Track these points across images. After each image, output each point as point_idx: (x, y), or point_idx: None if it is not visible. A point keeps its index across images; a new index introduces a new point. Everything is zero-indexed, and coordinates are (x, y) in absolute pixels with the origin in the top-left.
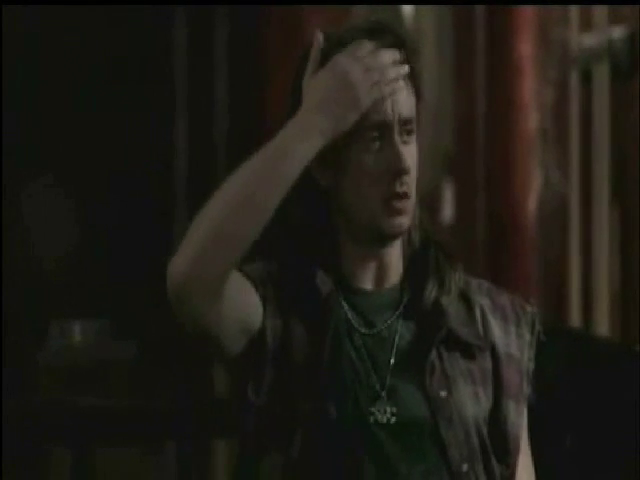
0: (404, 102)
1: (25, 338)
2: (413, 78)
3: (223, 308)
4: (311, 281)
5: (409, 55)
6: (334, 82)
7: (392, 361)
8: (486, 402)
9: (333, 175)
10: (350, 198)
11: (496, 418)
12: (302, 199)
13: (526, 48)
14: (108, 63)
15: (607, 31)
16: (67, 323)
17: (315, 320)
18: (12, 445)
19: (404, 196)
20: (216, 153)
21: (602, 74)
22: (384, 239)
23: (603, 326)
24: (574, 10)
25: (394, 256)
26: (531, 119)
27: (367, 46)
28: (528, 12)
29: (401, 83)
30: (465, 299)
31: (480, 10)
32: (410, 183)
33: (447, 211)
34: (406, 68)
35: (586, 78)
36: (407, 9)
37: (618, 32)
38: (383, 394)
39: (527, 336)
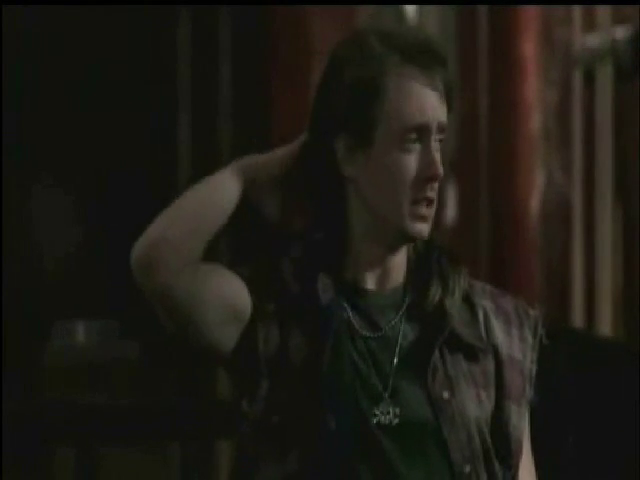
0: (442, 111)
1: (29, 338)
2: (448, 92)
3: (205, 292)
4: (312, 288)
5: (447, 72)
6: None
7: (395, 361)
8: (488, 404)
9: (361, 167)
10: (377, 195)
11: (498, 420)
12: (322, 190)
13: (529, 48)
14: (111, 63)
15: (610, 31)
16: (71, 323)
17: (314, 330)
18: (16, 445)
19: (430, 203)
20: (220, 153)
21: (605, 74)
22: (403, 242)
23: (606, 326)
24: (577, 10)
25: (399, 257)
26: (534, 119)
27: (405, 75)
28: (531, 12)
29: (438, 95)
30: (468, 302)
31: (483, 10)
32: (436, 190)
33: (450, 211)
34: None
35: (589, 78)
36: (410, 9)
37: (621, 32)
38: (386, 395)
39: (530, 339)
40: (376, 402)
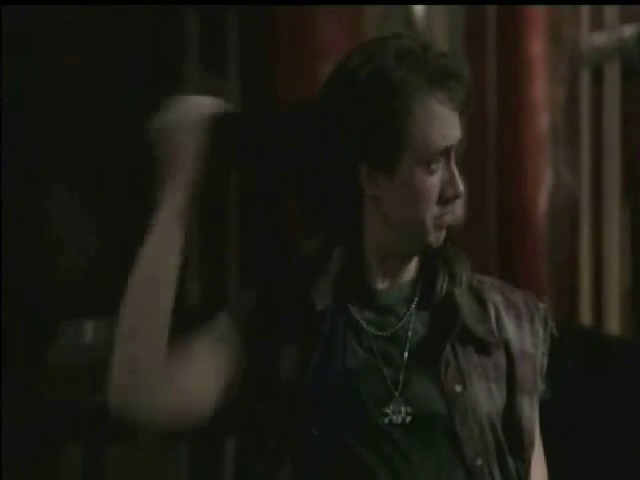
0: (461, 128)
1: (36, 337)
2: (465, 108)
3: (194, 392)
4: (306, 295)
5: (467, 90)
6: None
7: (406, 356)
8: (499, 398)
9: (385, 188)
10: (401, 213)
11: (511, 414)
12: (339, 205)
13: (537, 47)
14: (118, 63)
15: (618, 30)
16: (78, 322)
17: (304, 338)
18: (24, 443)
19: (447, 222)
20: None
21: (613, 73)
22: (422, 251)
23: (614, 324)
24: (585, 9)
25: (412, 261)
26: (542, 118)
27: (432, 101)
28: (539, 11)
29: (458, 114)
30: (478, 297)
31: (491, 9)
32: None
33: (458, 209)
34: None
35: (597, 77)
36: (418, 8)
37: (629, 31)
38: (396, 394)
39: (541, 332)
40: (387, 402)
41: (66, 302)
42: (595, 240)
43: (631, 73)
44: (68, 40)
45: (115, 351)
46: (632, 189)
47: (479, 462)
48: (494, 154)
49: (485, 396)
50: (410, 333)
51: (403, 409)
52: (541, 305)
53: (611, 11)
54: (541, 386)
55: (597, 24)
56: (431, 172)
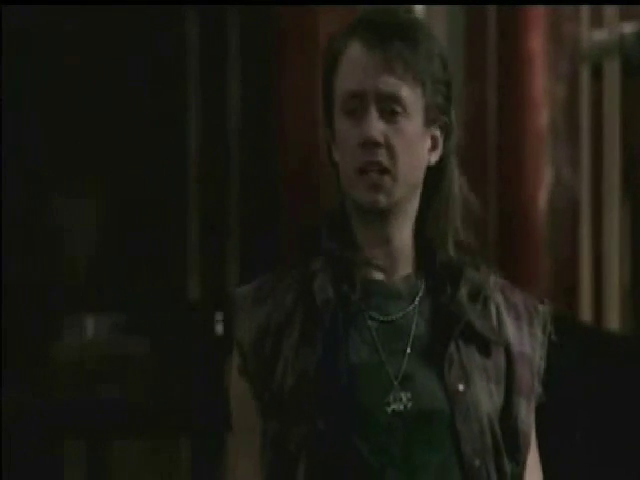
0: (388, 81)
1: (40, 333)
2: (411, 66)
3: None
4: (308, 287)
5: (411, 48)
6: None
7: (408, 351)
8: (498, 399)
9: (333, 141)
10: (340, 168)
11: (507, 415)
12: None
13: (537, 44)
14: (120, 64)
15: (618, 27)
16: (81, 318)
17: (307, 332)
18: (27, 439)
19: (379, 170)
20: (229, 152)
21: (613, 70)
22: (364, 213)
23: (614, 321)
24: (585, 6)
25: (403, 243)
26: (542, 115)
27: (355, 46)
28: (539, 9)
29: (388, 67)
30: (481, 295)
31: (491, 7)
32: (390, 159)
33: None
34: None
35: (597, 74)
36: (419, 7)
37: (629, 28)
38: (396, 383)
39: (539, 335)
40: (388, 391)
41: (68, 298)
42: (595, 238)
43: (631, 70)
44: (68, 40)
45: None
46: (632, 187)
47: (477, 462)
48: (494, 151)
49: (486, 396)
50: (413, 328)
51: (404, 396)
52: (541, 307)
53: (611, 8)
54: (538, 389)
55: (597, 21)
56: (348, 118)
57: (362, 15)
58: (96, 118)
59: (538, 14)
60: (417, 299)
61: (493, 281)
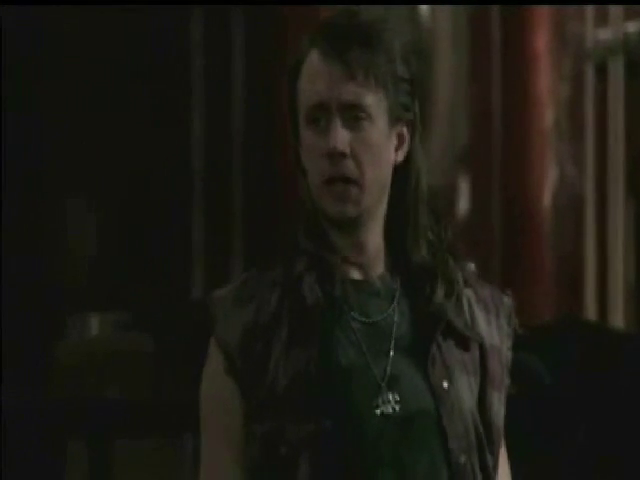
0: (349, 90)
1: (43, 332)
2: (376, 69)
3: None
4: (297, 289)
5: (371, 53)
6: None
7: (392, 351)
8: (475, 393)
9: (300, 150)
10: (308, 178)
11: (483, 409)
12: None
13: (541, 43)
14: (124, 64)
15: (622, 26)
16: (85, 317)
17: (297, 332)
18: (30, 438)
19: (345, 181)
20: (232, 151)
21: (617, 68)
22: (334, 224)
23: (618, 318)
24: (589, 5)
25: (376, 244)
26: (546, 113)
27: (315, 57)
28: (543, 8)
29: (348, 75)
30: (455, 292)
31: (495, 6)
32: (356, 169)
33: (463, 205)
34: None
35: (601, 72)
36: (423, 6)
37: (633, 27)
38: (383, 384)
39: (505, 327)
40: (375, 393)
41: (72, 297)
42: (599, 235)
43: (635, 69)
44: (73, 40)
45: None
46: (636, 185)
47: (463, 459)
48: (499, 150)
49: (468, 391)
50: (394, 328)
51: (391, 397)
52: (505, 299)
53: (615, 8)
54: (507, 381)
55: (601, 20)
56: (312, 130)
57: (322, 22)
58: (100, 117)
59: (542, 13)
60: (395, 300)
61: (463, 275)
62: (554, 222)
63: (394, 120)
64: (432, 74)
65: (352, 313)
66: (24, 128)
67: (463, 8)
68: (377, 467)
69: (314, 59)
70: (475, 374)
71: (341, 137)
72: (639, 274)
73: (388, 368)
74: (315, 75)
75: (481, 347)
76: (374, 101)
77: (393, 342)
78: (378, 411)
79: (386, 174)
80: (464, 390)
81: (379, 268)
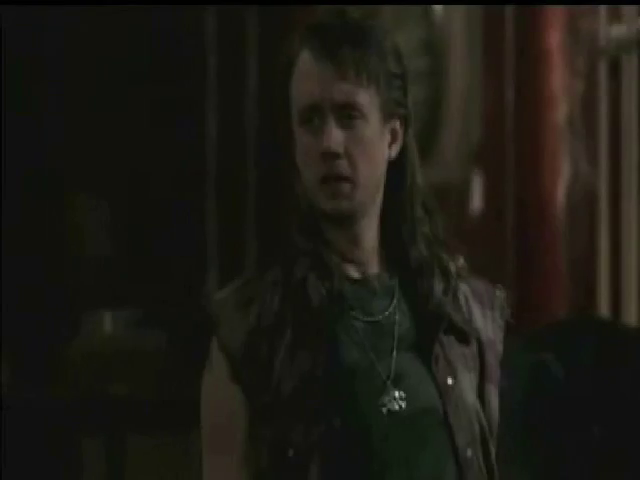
0: (342, 89)
1: (56, 330)
2: (367, 67)
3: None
4: (301, 290)
5: (361, 50)
6: None
7: (395, 350)
8: (475, 387)
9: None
10: (302, 177)
11: (482, 402)
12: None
13: (555, 39)
14: (138, 62)
15: (636, 22)
16: (98, 314)
17: (301, 333)
18: (45, 434)
19: (341, 179)
20: (245, 150)
21: (631, 65)
22: (329, 220)
23: (631, 315)
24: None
25: (372, 241)
26: (559, 110)
27: (305, 58)
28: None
29: (339, 74)
30: (451, 287)
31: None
32: (350, 167)
33: (476, 202)
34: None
35: (615, 69)
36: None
37: None
38: (389, 383)
39: (499, 320)
40: (381, 391)
41: (85, 295)
42: (613, 232)
43: None
44: (86, 39)
45: None
46: None
47: (469, 453)
48: (511, 146)
49: (469, 386)
50: (396, 326)
51: (397, 395)
52: (497, 292)
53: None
54: (498, 374)
55: (615, 16)
56: (308, 129)
57: (311, 22)
58: (115, 116)
59: (556, 9)
60: (395, 298)
61: (456, 270)
62: (567, 219)
63: (387, 116)
64: (445, 72)
65: (353, 312)
66: (40, 126)
67: (477, 5)
68: (385, 465)
69: (305, 60)
70: (475, 369)
71: (335, 137)
72: None
73: (392, 366)
74: (307, 76)
75: (478, 341)
76: (367, 99)
77: (396, 340)
78: (385, 409)
79: (380, 170)
80: (467, 385)
81: (376, 266)
